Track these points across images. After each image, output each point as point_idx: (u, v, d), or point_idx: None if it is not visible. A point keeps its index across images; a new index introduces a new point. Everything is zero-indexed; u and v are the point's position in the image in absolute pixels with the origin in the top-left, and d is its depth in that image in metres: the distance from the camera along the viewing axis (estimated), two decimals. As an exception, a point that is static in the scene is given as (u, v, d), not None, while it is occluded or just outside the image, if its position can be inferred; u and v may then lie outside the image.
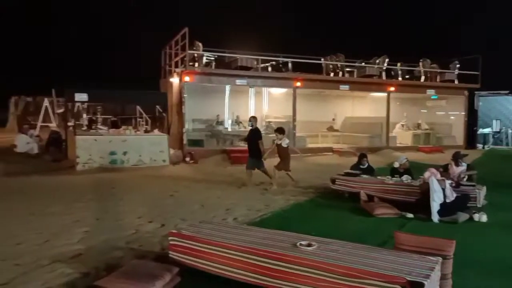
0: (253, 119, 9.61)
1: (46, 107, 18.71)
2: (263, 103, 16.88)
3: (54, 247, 4.90)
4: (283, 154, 9.15)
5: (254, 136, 9.21)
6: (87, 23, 35.22)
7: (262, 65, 15.71)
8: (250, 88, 15.66)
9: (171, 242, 4.11)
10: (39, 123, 18.63)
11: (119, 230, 5.61)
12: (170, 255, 4.08)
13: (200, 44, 14.42)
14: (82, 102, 14.40)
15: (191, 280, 3.87)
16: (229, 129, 15.50)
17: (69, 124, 14.33)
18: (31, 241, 5.10)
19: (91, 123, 15.15)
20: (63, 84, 14.96)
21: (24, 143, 13.55)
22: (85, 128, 14.11)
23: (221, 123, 15.77)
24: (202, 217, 6.06)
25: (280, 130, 9.32)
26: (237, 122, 16.04)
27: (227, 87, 15.56)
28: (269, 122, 16.41)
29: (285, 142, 9.16)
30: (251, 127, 9.53)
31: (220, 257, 3.80)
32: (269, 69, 16.26)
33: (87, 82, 16.16)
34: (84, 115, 16.43)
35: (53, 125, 17.76)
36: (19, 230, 5.55)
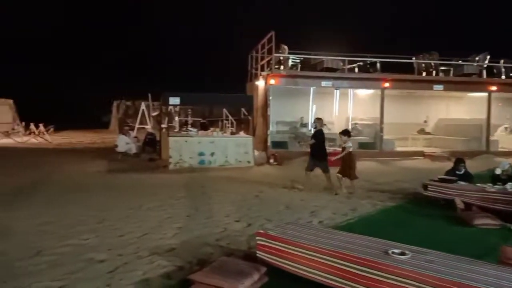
0: (318, 120, 9.48)
1: (143, 110, 20.28)
2: (349, 104, 16.47)
3: (151, 240, 5.27)
4: (347, 158, 8.63)
5: (317, 137, 9.04)
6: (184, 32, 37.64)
7: (349, 66, 15.37)
8: (335, 90, 15.41)
9: (258, 242, 4.19)
10: (137, 125, 20.26)
11: (208, 227, 5.86)
12: (258, 255, 4.16)
13: (286, 47, 14.55)
14: (175, 106, 15.30)
15: (277, 280, 3.90)
16: (313, 131, 15.37)
17: (163, 126, 15.38)
18: (131, 234, 5.55)
19: (183, 125, 16.07)
20: (158, 89, 16.08)
21: (124, 143, 14.80)
22: (177, 129, 14.99)
23: (304, 125, 15.72)
24: (287, 219, 6.09)
25: (344, 132, 8.97)
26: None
27: (312, 89, 15.47)
28: (355, 124, 15.98)
29: (347, 145, 8.64)
30: (314, 128, 9.44)
31: (307, 260, 3.78)
32: (356, 70, 15.84)
33: (181, 86, 17.16)
34: (176, 118, 17.47)
35: (148, 127, 19.15)
36: (121, 223, 6.07)
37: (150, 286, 3.89)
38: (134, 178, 10.39)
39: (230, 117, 17.61)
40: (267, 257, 4.08)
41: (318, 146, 8.96)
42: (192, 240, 5.27)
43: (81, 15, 46.16)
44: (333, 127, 14.98)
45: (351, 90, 16.12)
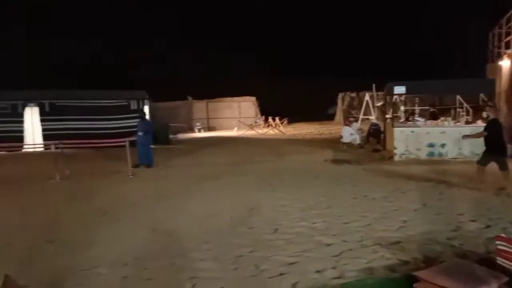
0: (490, 108, 7.83)
1: (367, 101, 20.33)
2: None
3: (376, 231, 5.31)
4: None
5: (492, 128, 7.44)
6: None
7: None
8: None
9: (498, 247, 3.68)
10: (361, 116, 20.48)
11: (438, 225, 5.48)
12: (498, 262, 3.66)
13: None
14: (400, 95, 14.72)
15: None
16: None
17: (387, 116, 15.04)
18: (356, 222, 5.73)
19: (409, 115, 15.33)
20: (382, 79, 15.81)
21: (348, 134, 15.22)
22: (402, 120, 14.42)
23: None
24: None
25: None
26: None
27: None
28: None
29: None
30: (487, 118, 7.86)
31: None
32: None
33: (405, 75, 16.42)
34: (402, 107, 16.79)
35: (372, 117, 19.08)
36: (346, 211, 6.33)
37: (373, 275, 3.95)
38: (358, 168, 10.60)
39: (465, 105, 15.77)
40: (510, 266, 3.54)
41: (493, 139, 7.43)
42: (419, 236, 5.04)
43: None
44: None
45: None
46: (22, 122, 18.91)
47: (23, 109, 18.95)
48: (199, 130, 28.77)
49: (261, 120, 29.35)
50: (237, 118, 29.97)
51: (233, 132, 27.31)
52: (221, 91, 31.98)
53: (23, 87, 21.53)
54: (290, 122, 30.34)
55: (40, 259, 4.66)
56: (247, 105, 31.87)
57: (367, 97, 20.40)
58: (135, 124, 13.57)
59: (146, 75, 35.84)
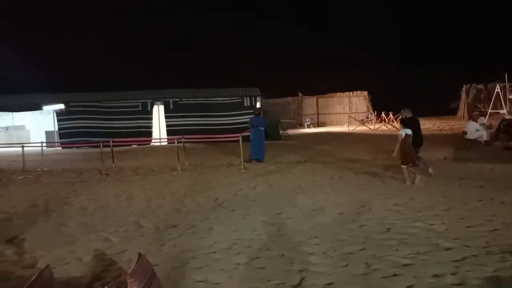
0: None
1: (498, 93, 18.17)
2: None
3: (504, 237, 4.76)
4: None
5: None
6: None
7: None
8: None
9: None
10: (489, 110, 18.40)
11: None
12: None
13: None
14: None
15: None
16: None
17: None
18: (480, 226, 5.20)
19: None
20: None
21: (474, 130, 13.79)
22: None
23: None
24: None
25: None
26: None
27: None
28: None
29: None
30: None
31: None
32: None
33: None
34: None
35: (504, 111, 17.01)
36: (469, 214, 5.79)
37: (501, 286, 3.56)
38: (484, 168, 9.59)
39: None
40: None
41: None
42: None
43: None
44: None
45: None
46: (150, 119, 21.13)
47: (151, 107, 21.15)
48: (309, 126, 28.84)
49: (373, 116, 28.26)
50: (347, 114, 29.32)
51: (344, 128, 26.78)
52: (332, 86, 31.61)
53: (151, 88, 24.04)
54: (405, 117, 28.64)
55: (166, 241, 5.20)
56: (358, 100, 30.99)
57: (498, 88, 18.25)
58: (248, 120, 14.17)
59: (258, 73, 37.12)
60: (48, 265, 2.99)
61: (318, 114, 31.19)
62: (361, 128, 24.98)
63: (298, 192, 7.90)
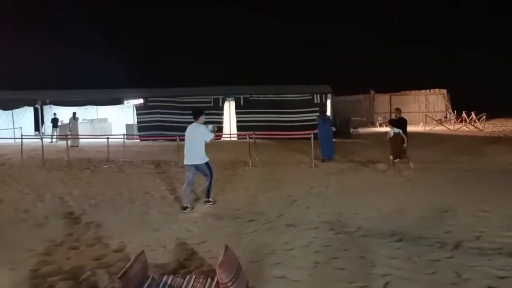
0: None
1: None
2: None
3: None
4: None
5: None
6: None
7: None
8: None
9: None
10: None
11: None
12: None
13: None
14: None
15: None
16: None
17: None
18: None
19: None
20: None
21: None
22: None
23: None
24: None
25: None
26: None
27: None
28: None
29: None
30: None
31: None
32: None
33: None
34: None
35: None
36: None
37: None
38: None
39: None
40: None
41: None
42: None
43: None
44: None
45: None
46: (222, 114, 21.65)
47: (222, 103, 21.67)
48: (381, 125, 27.83)
49: (452, 115, 26.55)
50: (424, 113, 27.85)
51: (419, 128, 25.46)
52: (407, 83, 30.20)
53: (224, 83, 24.65)
54: (489, 117, 26.52)
55: (244, 235, 5.28)
56: (436, 98, 29.29)
57: None
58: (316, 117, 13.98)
59: (330, 70, 36.54)
60: (142, 251, 3.16)
61: (391, 112, 29.98)
62: (438, 128, 23.58)
63: (374, 192, 7.64)
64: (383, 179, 8.99)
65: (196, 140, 6.76)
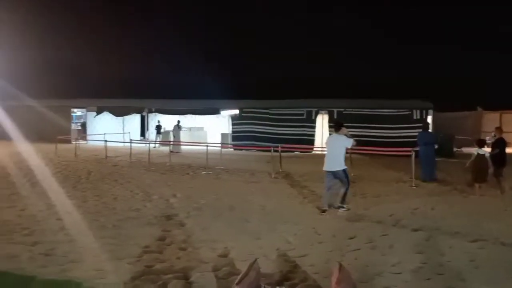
0: None
1: None
2: None
3: None
4: None
5: None
6: None
7: None
8: None
9: None
10: None
11: None
12: None
13: None
14: None
15: None
16: None
17: None
18: None
19: None
20: None
21: None
22: None
23: None
24: None
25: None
26: None
27: None
28: None
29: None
30: None
31: None
32: None
33: None
34: None
35: None
36: None
37: None
38: None
39: None
40: None
41: None
42: None
43: None
44: None
45: None
46: (314, 127, 21.53)
47: (315, 116, 21.54)
48: (488, 145, 25.33)
49: None
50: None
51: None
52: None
53: (317, 96, 24.52)
54: None
55: (345, 252, 5.11)
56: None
57: None
58: (416, 134, 13.15)
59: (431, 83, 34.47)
60: (256, 259, 3.20)
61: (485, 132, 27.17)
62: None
63: (489, 218, 6.92)
64: (497, 204, 8.12)
65: (336, 148, 7.36)
